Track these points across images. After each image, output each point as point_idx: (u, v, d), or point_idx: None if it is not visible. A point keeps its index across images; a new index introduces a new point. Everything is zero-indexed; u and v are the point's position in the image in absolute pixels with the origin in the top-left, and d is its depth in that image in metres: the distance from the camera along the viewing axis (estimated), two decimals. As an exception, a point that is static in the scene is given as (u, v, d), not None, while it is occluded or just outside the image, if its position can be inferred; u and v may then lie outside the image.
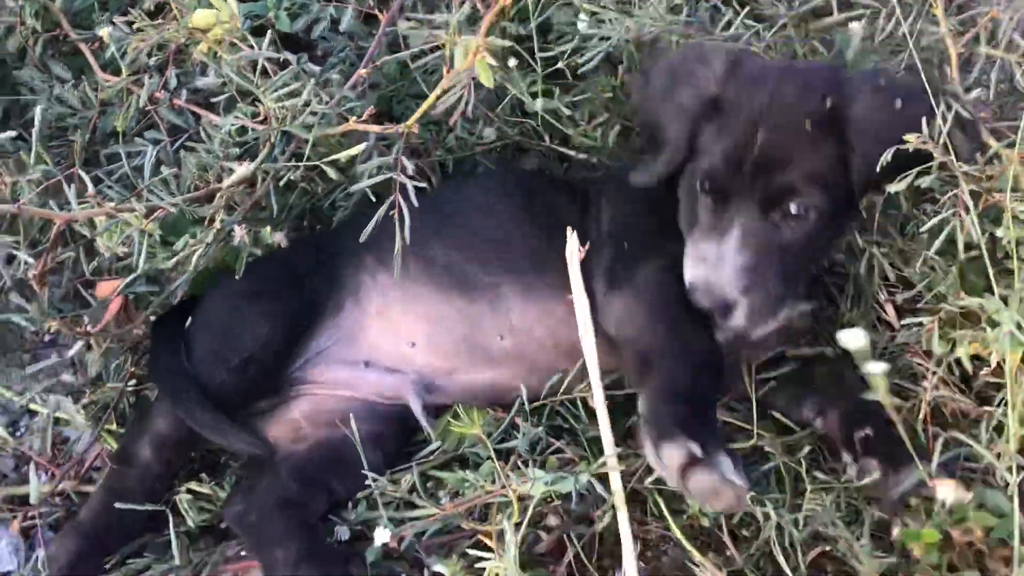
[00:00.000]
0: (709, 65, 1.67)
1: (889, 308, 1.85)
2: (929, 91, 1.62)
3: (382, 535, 1.60)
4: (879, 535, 1.58)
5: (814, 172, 1.59)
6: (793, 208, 1.61)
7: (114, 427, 1.91)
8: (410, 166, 1.66)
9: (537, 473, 1.62)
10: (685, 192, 1.75)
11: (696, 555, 1.59)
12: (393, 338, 1.89)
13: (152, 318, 1.92)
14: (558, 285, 1.75)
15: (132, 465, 1.77)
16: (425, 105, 1.70)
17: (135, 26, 1.89)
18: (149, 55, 1.96)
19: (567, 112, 2.10)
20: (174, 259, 1.74)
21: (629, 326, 1.72)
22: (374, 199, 1.78)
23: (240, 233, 1.74)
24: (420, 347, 1.88)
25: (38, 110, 1.81)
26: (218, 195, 1.70)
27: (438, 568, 1.57)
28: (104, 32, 1.97)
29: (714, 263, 1.62)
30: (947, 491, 1.45)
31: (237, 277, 1.84)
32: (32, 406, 1.97)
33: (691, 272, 1.65)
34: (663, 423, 1.50)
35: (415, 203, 1.70)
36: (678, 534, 1.63)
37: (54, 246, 1.61)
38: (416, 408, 1.86)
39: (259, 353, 1.82)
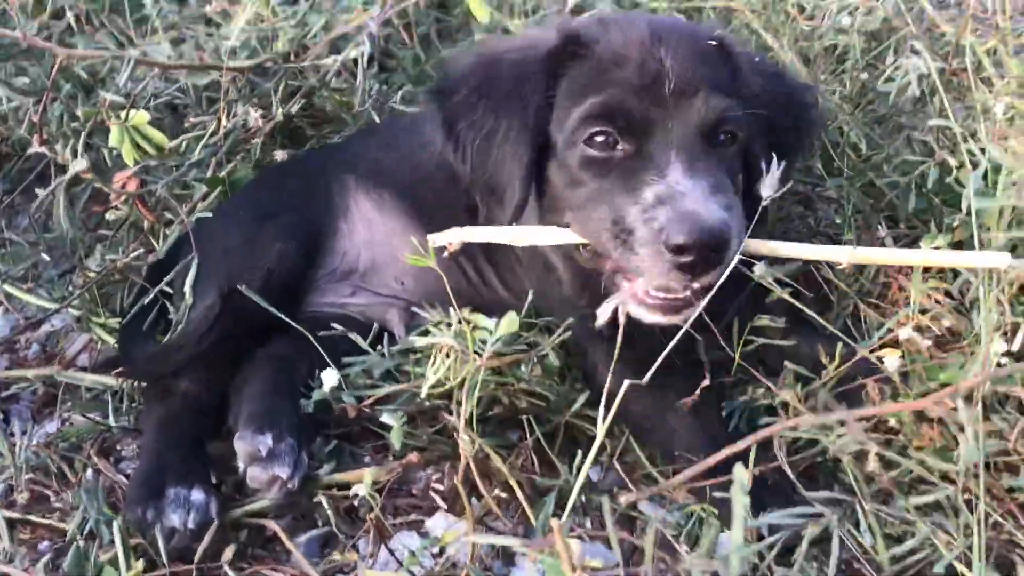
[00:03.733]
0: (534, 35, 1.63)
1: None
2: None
3: (330, 377, 1.60)
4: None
5: (733, 95, 1.49)
6: (722, 135, 1.50)
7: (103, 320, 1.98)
8: (374, 26, 1.75)
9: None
10: (559, 179, 1.56)
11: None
12: (382, 272, 1.95)
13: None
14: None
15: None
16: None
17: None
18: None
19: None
20: (181, 138, 1.83)
21: None
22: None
23: (254, 115, 1.84)
24: (408, 287, 1.94)
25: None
26: (224, 70, 1.78)
27: (385, 418, 1.57)
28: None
29: (677, 197, 1.38)
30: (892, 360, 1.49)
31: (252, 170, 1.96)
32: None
33: (657, 220, 1.37)
34: None
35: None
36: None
37: (54, 83, 1.70)
38: (399, 331, 1.90)
39: (278, 267, 1.82)
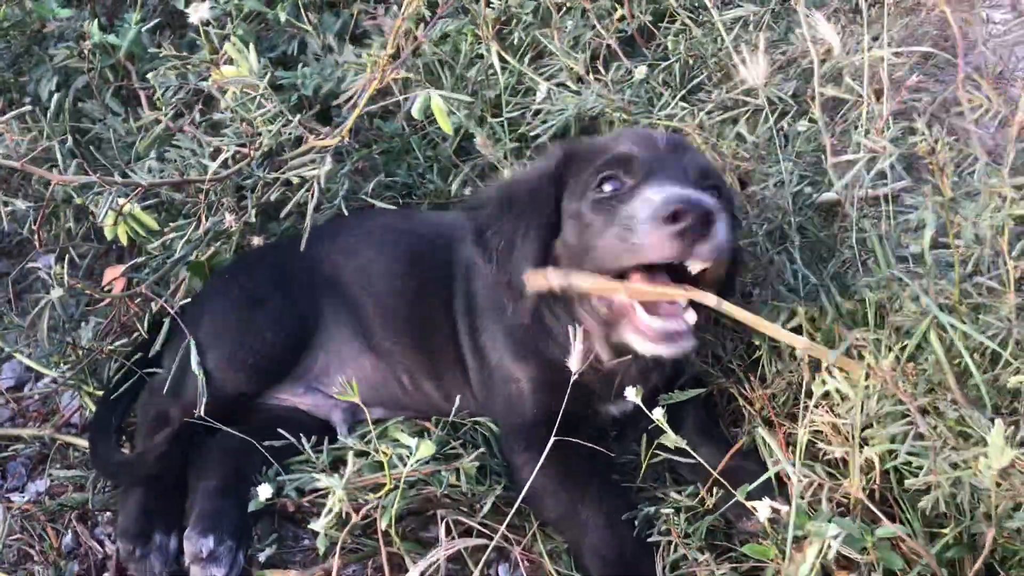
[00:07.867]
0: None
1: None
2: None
3: (265, 491, 1.82)
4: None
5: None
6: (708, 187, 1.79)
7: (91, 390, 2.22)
8: (327, 166, 1.94)
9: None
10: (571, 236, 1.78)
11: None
12: (332, 376, 2.16)
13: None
14: (439, 358, 2.07)
15: None
16: (354, 115, 2.03)
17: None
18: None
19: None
20: (159, 240, 2.04)
21: None
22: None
23: (229, 219, 2.05)
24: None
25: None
26: (208, 178, 1.99)
27: (312, 525, 1.79)
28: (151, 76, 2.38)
29: (668, 189, 1.65)
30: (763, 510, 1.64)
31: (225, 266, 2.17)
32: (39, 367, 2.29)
33: (653, 203, 1.61)
34: None
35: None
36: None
37: (49, 203, 1.92)
38: (341, 430, 2.12)
39: (266, 354, 2.06)
